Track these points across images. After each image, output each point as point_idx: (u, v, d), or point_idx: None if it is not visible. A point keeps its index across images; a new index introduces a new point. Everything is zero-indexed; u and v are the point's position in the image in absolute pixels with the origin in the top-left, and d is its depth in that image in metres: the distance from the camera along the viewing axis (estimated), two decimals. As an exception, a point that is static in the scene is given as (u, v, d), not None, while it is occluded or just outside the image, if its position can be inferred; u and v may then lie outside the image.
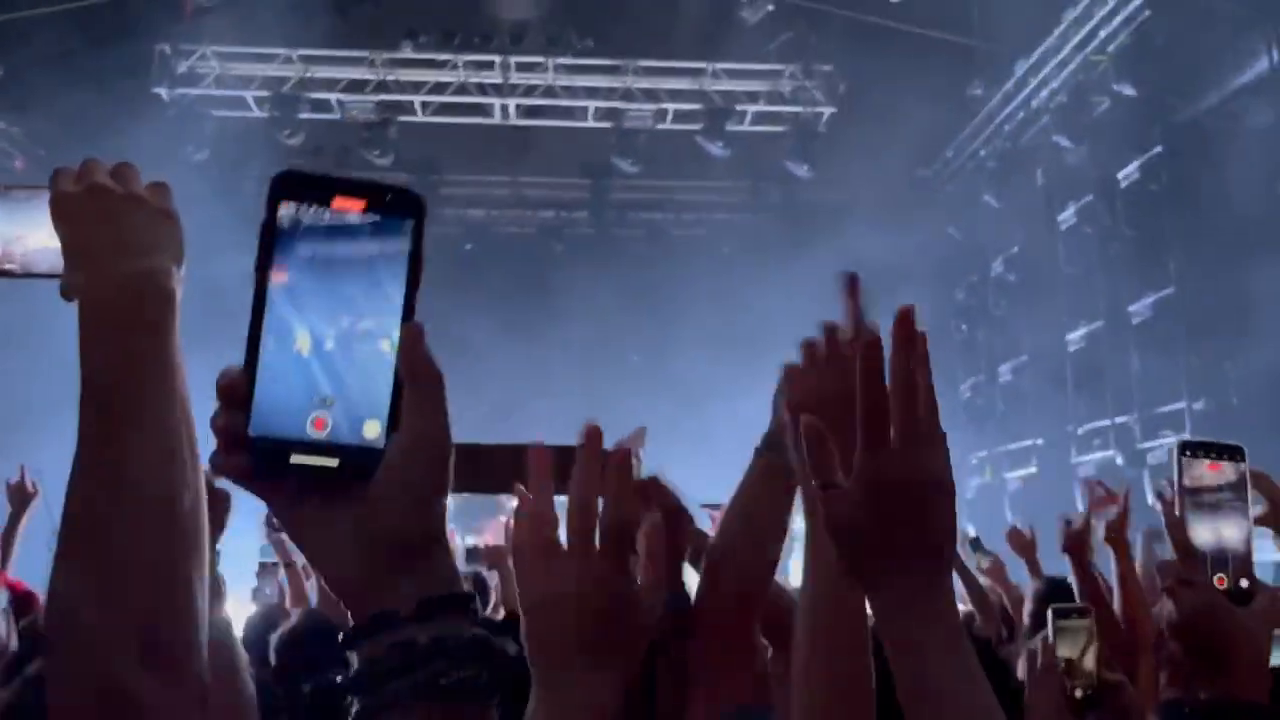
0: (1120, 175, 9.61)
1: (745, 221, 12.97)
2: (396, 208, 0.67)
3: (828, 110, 11.35)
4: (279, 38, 10.72)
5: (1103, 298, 9.80)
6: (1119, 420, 9.54)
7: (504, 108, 11.45)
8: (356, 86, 11.28)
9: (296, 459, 0.66)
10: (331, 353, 0.66)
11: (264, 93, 11.11)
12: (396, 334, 0.67)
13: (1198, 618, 1.16)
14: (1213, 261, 7.98)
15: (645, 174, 11.87)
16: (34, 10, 9.32)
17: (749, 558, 1.57)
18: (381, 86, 11.24)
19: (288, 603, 4.23)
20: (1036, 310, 10.66)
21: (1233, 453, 1.26)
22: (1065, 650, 1.90)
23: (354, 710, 0.66)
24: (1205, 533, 1.23)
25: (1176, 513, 1.22)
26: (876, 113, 10.23)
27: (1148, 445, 9.12)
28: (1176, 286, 8.81)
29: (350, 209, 0.67)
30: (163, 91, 10.87)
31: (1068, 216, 10.53)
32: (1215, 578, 1.19)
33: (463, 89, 11.34)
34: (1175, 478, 1.25)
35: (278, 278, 0.66)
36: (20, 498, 3.90)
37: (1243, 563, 1.21)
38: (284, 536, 4.37)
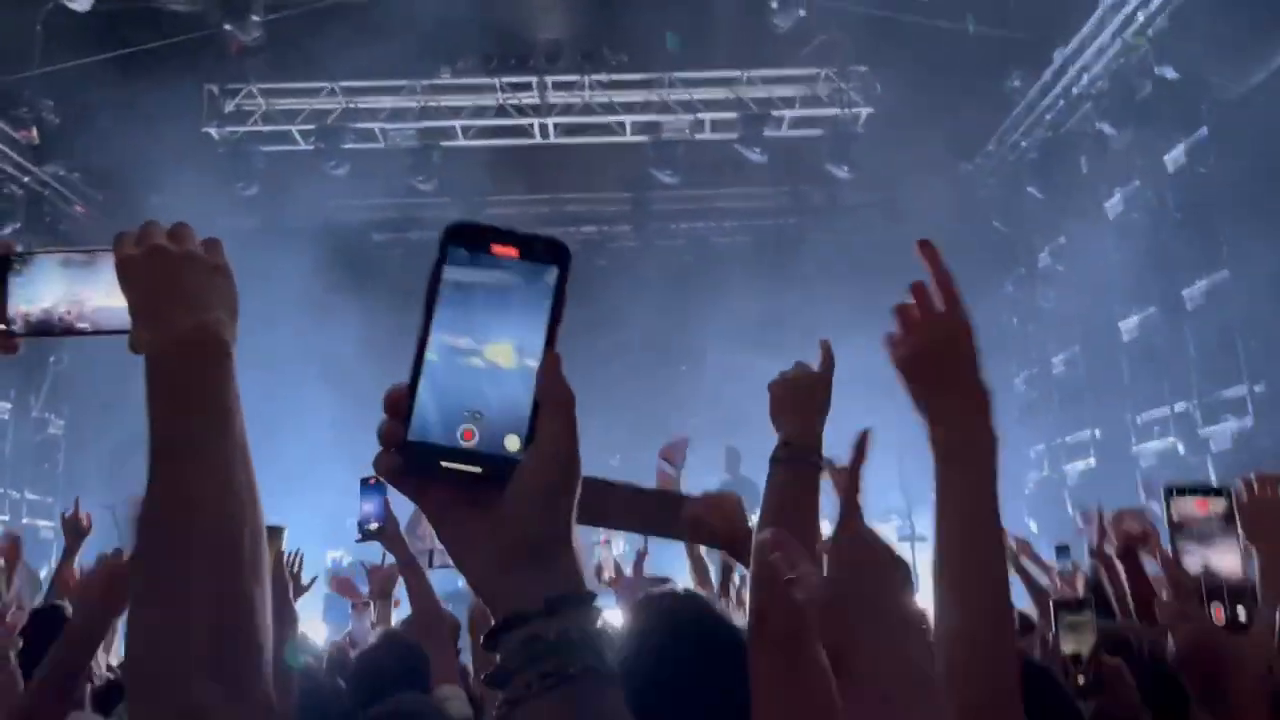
0: (1167, 159, 9.47)
1: (787, 226, 12.96)
2: (544, 254, 0.78)
3: (865, 110, 11.33)
4: (321, 72, 10.98)
5: (1155, 284, 9.64)
6: (1178, 408, 9.37)
7: (543, 127, 11.60)
8: (398, 115, 11.50)
9: (446, 464, 0.76)
10: (482, 374, 0.77)
11: (309, 126, 11.38)
12: (538, 361, 0.77)
13: (1195, 651, 1.16)
14: (1267, 242, 7.83)
15: (685, 184, 11.93)
16: (86, 58, 9.66)
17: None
18: (423, 113, 11.46)
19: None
20: (1087, 300, 10.51)
21: (1219, 492, 1.36)
22: (1070, 645, 1.91)
23: (498, 702, 0.74)
24: (1195, 563, 1.25)
25: (1169, 551, 1.25)
26: (914, 110, 10.19)
27: (1209, 430, 8.95)
28: (1230, 269, 8.65)
29: (506, 254, 0.78)
30: (212, 131, 11.18)
31: (1115, 204, 10.39)
32: (1212, 607, 1.20)
33: (502, 111, 11.51)
34: (1165, 516, 1.30)
35: (441, 308, 0.77)
36: (75, 531, 4.02)
37: (1238, 593, 1.22)
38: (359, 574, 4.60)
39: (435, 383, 0.76)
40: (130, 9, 9.15)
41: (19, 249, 1.17)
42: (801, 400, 1.72)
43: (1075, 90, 10.42)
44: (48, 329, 1.17)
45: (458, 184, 12.05)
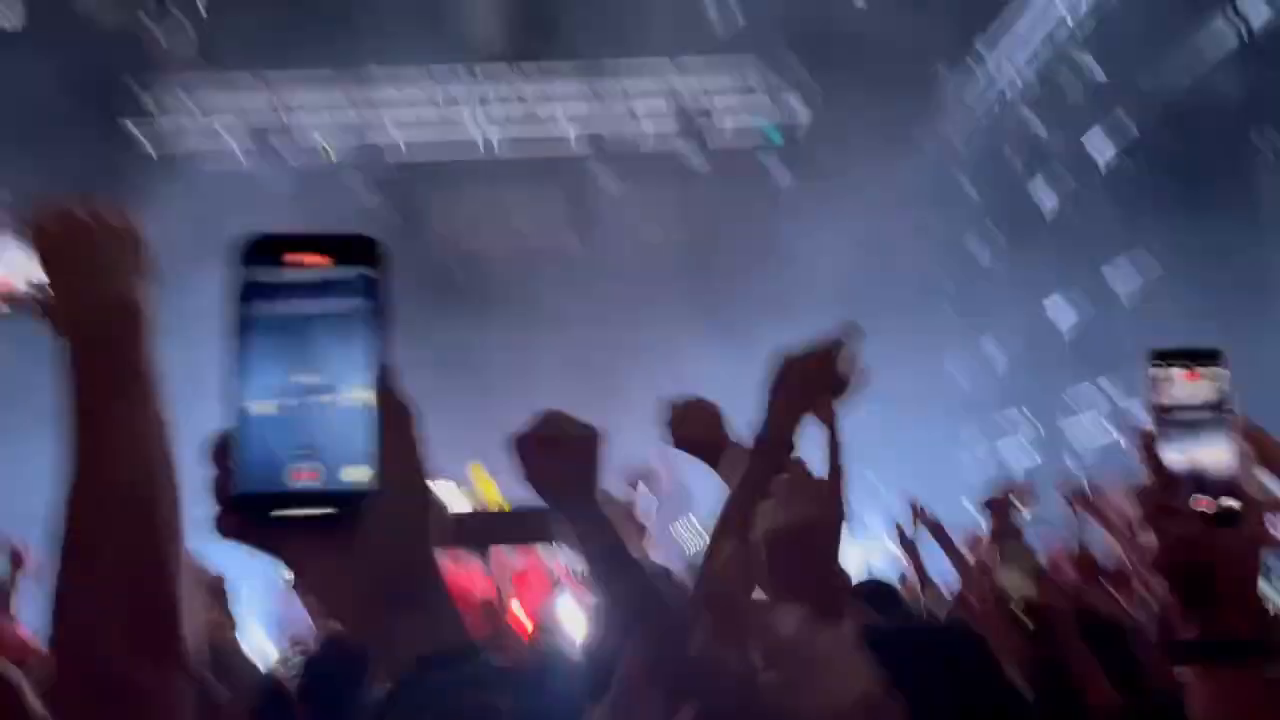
0: (1098, 156, 9.74)
1: (728, 231, 13.03)
2: (356, 256, 0.68)
3: (804, 115, 11.50)
4: (260, 85, 10.82)
5: (1084, 273, 9.94)
6: (1103, 384, 9.68)
7: (482, 130, 11.55)
8: (336, 124, 11.35)
9: (279, 512, 0.66)
10: (309, 404, 0.66)
11: (249, 143, 11.19)
12: (370, 377, 0.67)
13: (1179, 548, 0.97)
14: (1190, 235, 8.01)
15: (628, 189, 11.94)
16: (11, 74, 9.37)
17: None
18: (360, 121, 11.32)
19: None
20: (1021, 290, 10.78)
21: (1211, 357, 1.04)
22: (1015, 583, 1.88)
23: None
24: (1178, 455, 1.01)
25: (1152, 431, 1.00)
26: (849, 110, 10.32)
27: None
28: (1160, 260, 8.90)
29: (313, 263, 0.67)
30: (143, 138, 10.93)
31: (1049, 197, 10.66)
32: (1195, 500, 0.99)
33: (440, 115, 11.45)
34: (1145, 393, 1.03)
35: (249, 339, 0.67)
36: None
37: (1227, 482, 1.00)
38: None
39: (256, 423, 0.66)
40: (56, 19, 8.89)
41: None
42: (791, 383, 1.57)
43: (1008, 92, 10.67)
44: None
45: (398, 191, 11.94)
